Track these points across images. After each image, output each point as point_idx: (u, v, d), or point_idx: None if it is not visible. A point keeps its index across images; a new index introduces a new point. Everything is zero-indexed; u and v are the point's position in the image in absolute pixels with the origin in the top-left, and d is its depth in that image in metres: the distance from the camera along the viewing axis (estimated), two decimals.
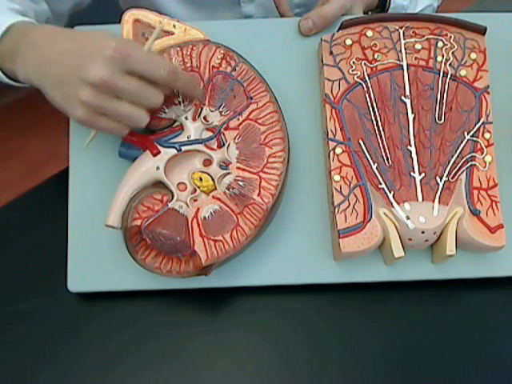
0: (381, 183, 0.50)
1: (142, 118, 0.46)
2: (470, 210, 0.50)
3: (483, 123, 0.52)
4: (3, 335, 0.53)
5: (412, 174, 0.50)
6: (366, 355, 0.52)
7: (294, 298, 0.53)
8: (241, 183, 0.49)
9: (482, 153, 0.51)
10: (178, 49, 0.50)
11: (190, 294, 0.52)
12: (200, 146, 0.50)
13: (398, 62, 0.52)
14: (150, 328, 0.52)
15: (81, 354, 0.51)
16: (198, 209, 0.49)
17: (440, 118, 0.51)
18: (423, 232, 0.49)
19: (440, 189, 0.50)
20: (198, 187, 0.49)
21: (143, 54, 0.45)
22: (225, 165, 0.50)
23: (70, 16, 0.66)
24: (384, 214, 0.50)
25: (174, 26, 0.51)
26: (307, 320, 0.53)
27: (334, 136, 0.51)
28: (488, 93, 0.52)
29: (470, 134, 0.51)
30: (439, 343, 0.52)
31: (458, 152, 0.51)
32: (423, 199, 0.49)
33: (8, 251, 0.57)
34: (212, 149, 0.50)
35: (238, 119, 0.50)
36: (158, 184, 0.50)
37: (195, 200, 0.49)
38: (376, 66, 0.52)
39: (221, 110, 0.50)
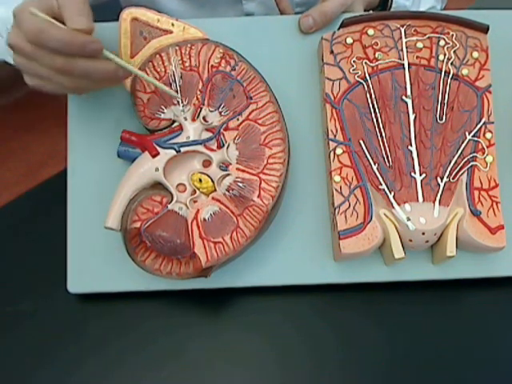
0: (381, 184, 0.50)
1: (51, 78, 0.44)
2: (471, 211, 0.50)
3: (484, 123, 0.51)
4: (3, 335, 0.53)
5: (413, 174, 0.50)
6: (365, 355, 0.52)
7: (294, 298, 0.53)
8: (240, 184, 0.49)
9: (483, 153, 0.51)
10: (177, 48, 0.50)
11: (190, 295, 0.52)
12: (199, 147, 0.50)
13: (399, 61, 0.52)
14: (150, 329, 0.52)
15: (80, 355, 0.51)
16: (198, 210, 0.48)
17: (441, 118, 0.51)
18: (424, 233, 0.48)
19: (441, 189, 0.50)
20: (198, 188, 0.49)
21: (33, 20, 0.42)
22: (224, 166, 0.50)
23: None
24: (384, 214, 0.49)
25: (173, 25, 0.51)
26: (307, 320, 0.53)
27: (335, 136, 0.51)
28: (490, 92, 0.52)
29: (472, 134, 0.51)
30: (439, 343, 0.52)
31: (459, 152, 0.51)
32: (424, 200, 0.49)
33: (8, 251, 0.57)
34: (211, 149, 0.50)
35: (238, 119, 0.50)
36: (157, 185, 0.49)
37: (195, 201, 0.49)
38: (377, 65, 0.52)
39: (220, 110, 0.50)
